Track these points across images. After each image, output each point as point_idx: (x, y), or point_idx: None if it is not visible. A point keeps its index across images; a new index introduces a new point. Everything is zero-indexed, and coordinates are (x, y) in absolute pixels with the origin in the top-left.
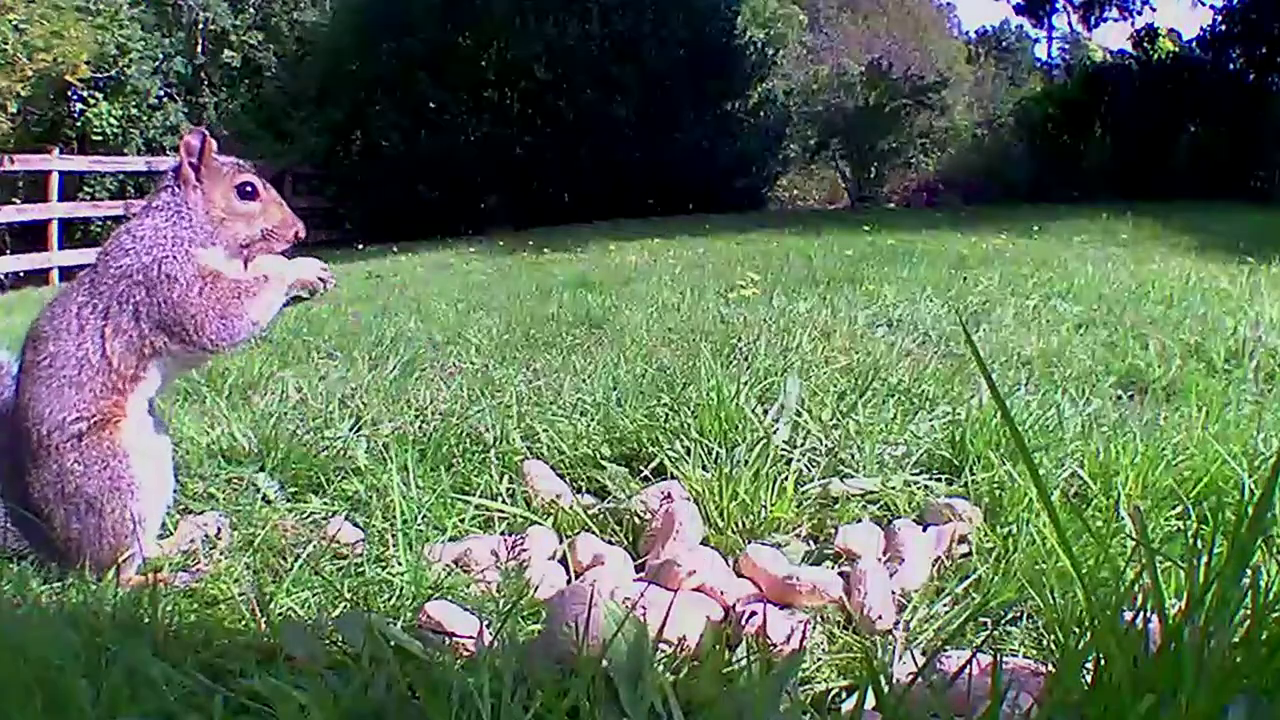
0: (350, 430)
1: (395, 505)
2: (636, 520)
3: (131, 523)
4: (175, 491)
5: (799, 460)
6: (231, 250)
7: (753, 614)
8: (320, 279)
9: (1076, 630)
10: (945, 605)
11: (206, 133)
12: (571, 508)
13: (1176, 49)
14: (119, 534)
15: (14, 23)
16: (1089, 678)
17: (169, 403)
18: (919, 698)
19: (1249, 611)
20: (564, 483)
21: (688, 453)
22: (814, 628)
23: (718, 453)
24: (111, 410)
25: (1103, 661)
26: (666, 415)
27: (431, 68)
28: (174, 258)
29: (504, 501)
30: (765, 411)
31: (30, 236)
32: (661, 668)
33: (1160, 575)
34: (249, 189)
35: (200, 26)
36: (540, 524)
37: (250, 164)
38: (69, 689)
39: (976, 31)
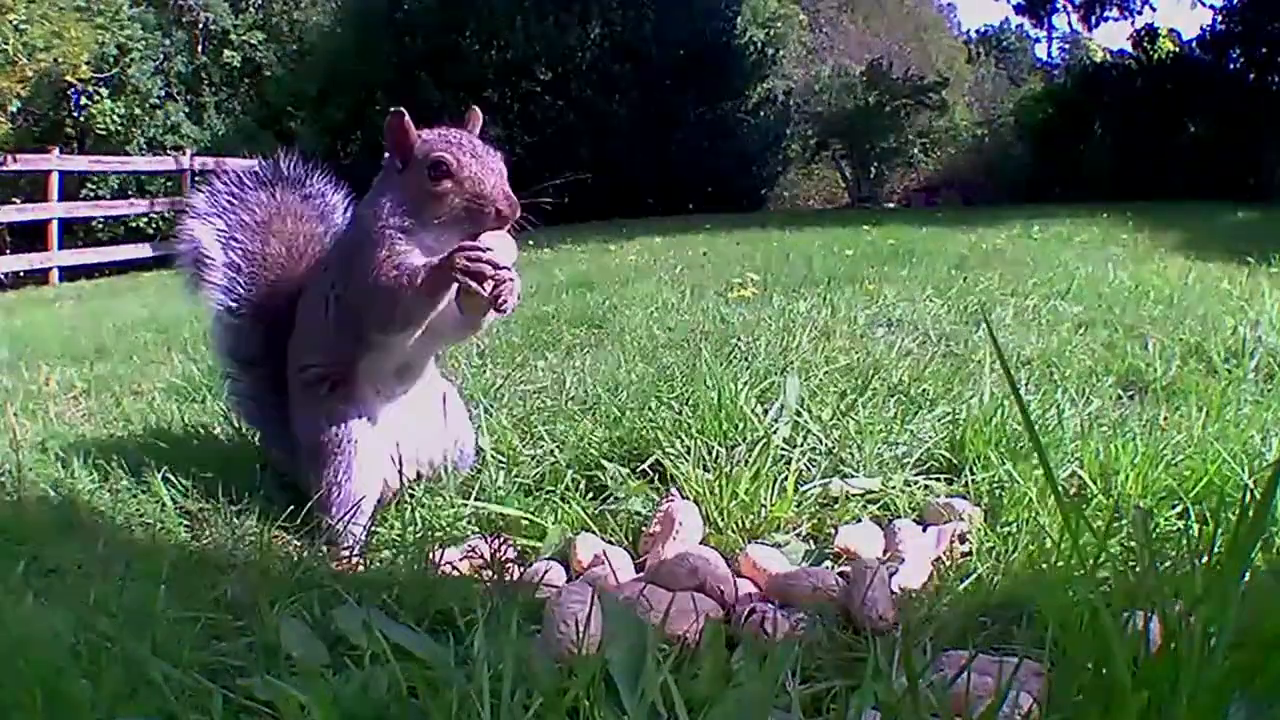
0: None
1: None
2: (636, 520)
3: (339, 490)
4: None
5: (799, 460)
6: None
7: (753, 613)
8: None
9: (1076, 630)
10: (945, 605)
11: (404, 111)
12: (572, 508)
13: (1176, 49)
14: (332, 498)
15: (14, 23)
16: (1089, 678)
17: (168, 402)
18: (919, 698)
19: (1249, 612)
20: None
21: (688, 452)
22: (814, 627)
23: (718, 452)
24: (343, 372)
25: (1103, 661)
26: (667, 415)
27: (431, 68)
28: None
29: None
30: (765, 411)
31: (30, 236)
32: (661, 667)
33: (1160, 575)
34: (442, 168)
35: (200, 26)
36: (542, 524)
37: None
38: (69, 689)
39: (976, 31)
